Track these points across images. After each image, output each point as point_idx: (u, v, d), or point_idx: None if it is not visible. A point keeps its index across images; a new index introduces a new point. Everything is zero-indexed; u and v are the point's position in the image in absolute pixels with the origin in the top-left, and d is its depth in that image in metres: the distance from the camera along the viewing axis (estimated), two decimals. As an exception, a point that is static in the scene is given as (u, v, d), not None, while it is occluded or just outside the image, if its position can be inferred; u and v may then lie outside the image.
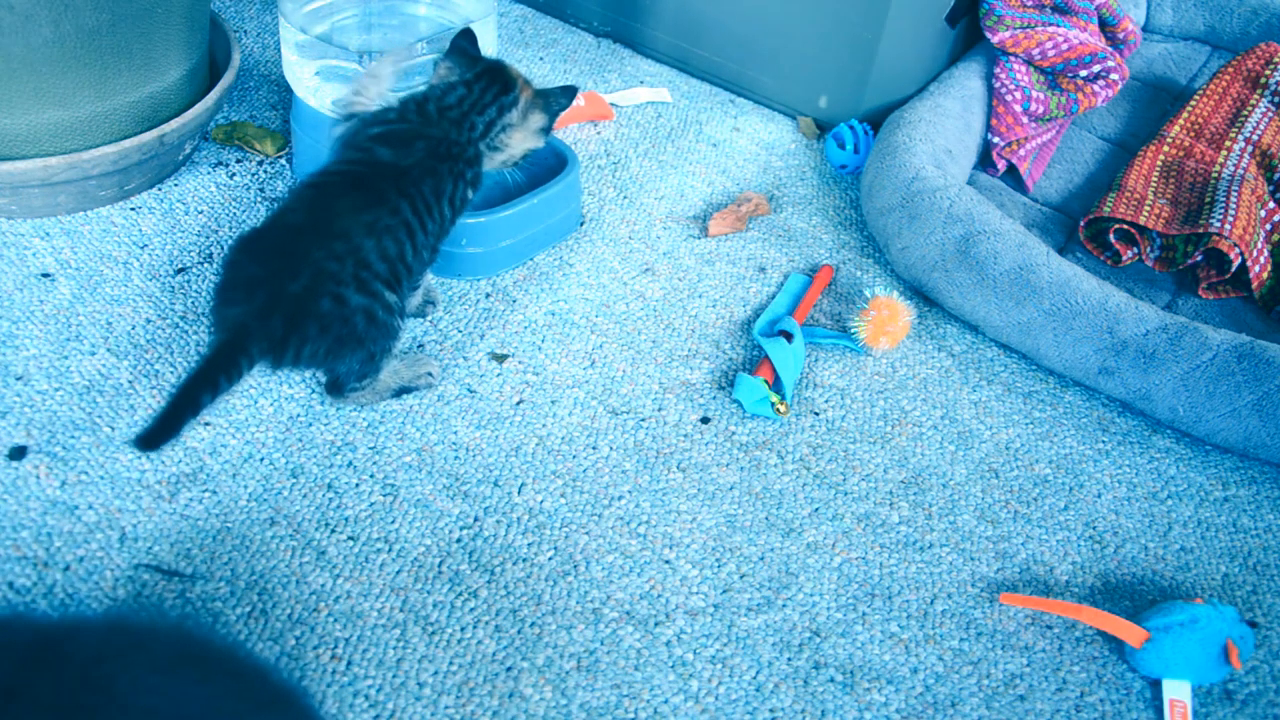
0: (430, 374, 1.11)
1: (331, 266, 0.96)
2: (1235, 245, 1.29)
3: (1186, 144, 1.51)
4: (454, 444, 1.07)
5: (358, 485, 1.02)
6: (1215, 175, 1.44)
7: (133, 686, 0.65)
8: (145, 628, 0.80)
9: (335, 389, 1.06)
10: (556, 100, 1.14)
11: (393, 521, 1.00)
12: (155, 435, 0.90)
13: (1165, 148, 1.50)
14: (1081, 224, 1.39)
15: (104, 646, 0.68)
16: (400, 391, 1.10)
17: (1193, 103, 1.59)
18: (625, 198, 1.42)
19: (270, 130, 1.42)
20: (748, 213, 1.40)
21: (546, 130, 1.15)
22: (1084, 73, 1.51)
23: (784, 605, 0.98)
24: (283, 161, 1.38)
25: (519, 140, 1.13)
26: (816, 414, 1.16)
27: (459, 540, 0.99)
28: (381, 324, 1.00)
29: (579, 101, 1.54)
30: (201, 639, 0.82)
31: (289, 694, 0.78)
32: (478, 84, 1.10)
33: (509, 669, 0.90)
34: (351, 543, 0.97)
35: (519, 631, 0.93)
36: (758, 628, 0.96)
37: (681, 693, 0.90)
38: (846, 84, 1.52)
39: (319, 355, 0.98)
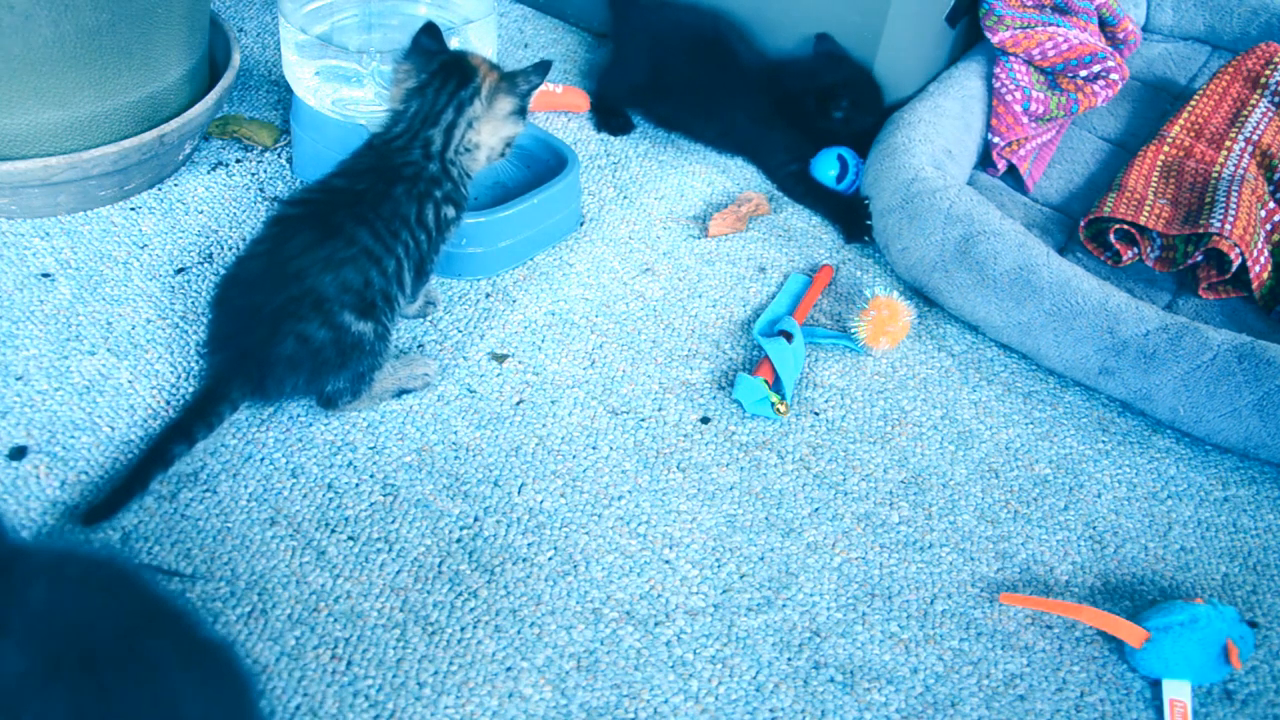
0: (427, 374, 1.11)
1: (289, 309, 0.97)
2: (1235, 245, 1.29)
3: (1186, 144, 1.51)
4: (454, 444, 1.07)
5: (358, 485, 1.02)
6: (1215, 175, 1.44)
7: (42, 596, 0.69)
8: (65, 552, 0.83)
9: (329, 404, 1.06)
10: (526, 79, 1.08)
11: (393, 521, 1.00)
12: (108, 505, 0.94)
13: (1165, 148, 1.50)
14: (1081, 224, 1.39)
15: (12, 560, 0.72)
16: (400, 393, 1.10)
17: (1193, 103, 1.59)
18: (625, 198, 1.42)
19: (264, 121, 1.42)
20: (748, 213, 1.40)
21: (520, 113, 1.09)
22: (1084, 73, 1.51)
23: (784, 605, 0.98)
24: (282, 161, 1.38)
25: (490, 131, 1.08)
26: (816, 414, 1.16)
27: (459, 540, 0.99)
28: (352, 350, 1.00)
29: (556, 89, 1.54)
30: (122, 568, 0.83)
31: (199, 634, 0.79)
32: (430, 86, 1.06)
33: (509, 669, 0.90)
34: (351, 543, 0.97)
35: (519, 631, 0.93)
36: (758, 628, 0.96)
37: (681, 693, 0.90)
38: (846, 84, 1.52)
39: (300, 386, 1.01)
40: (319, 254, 0.98)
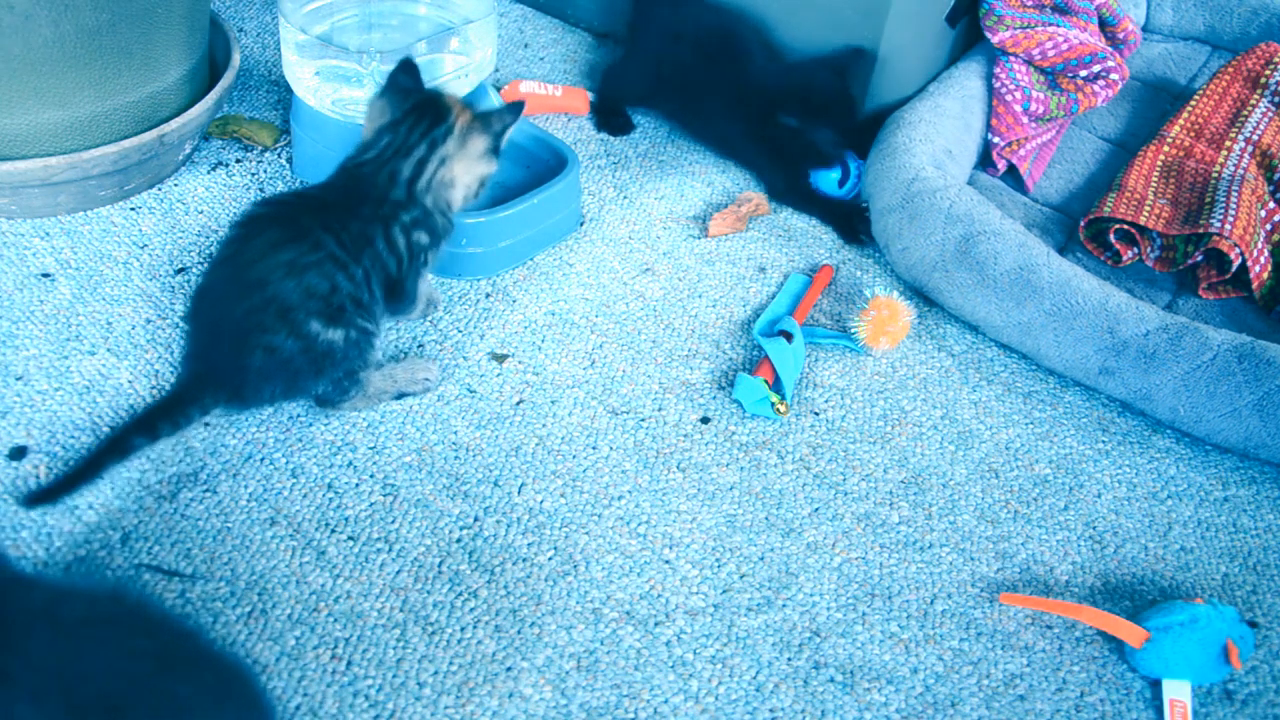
0: (428, 378, 1.11)
1: (253, 319, 0.96)
2: (1235, 245, 1.29)
3: (1186, 144, 1.51)
4: (454, 444, 1.07)
5: (358, 485, 1.02)
6: (1215, 175, 1.44)
7: (36, 647, 0.68)
8: (62, 589, 0.81)
9: (323, 404, 1.07)
10: (500, 119, 1.08)
11: (393, 521, 1.00)
12: (56, 489, 0.94)
13: (1165, 148, 1.50)
14: (1082, 224, 1.39)
15: (8, 604, 0.71)
16: (400, 395, 1.10)
17: (1193, 103, 1.59)
18: (625, 198, 1.42)
19: (264, 121, 1.42)
20: (748, 213, 1.40)
21: (494, 151, 1.09)
22: (1084, 73, 1.51)
23: (784, 605, 0.98)
24: (282, 161, 1.38)
25: (464, 169, 1.07)
26: (816, 414, 1.16)
27: (459, 540, 0.99)
28: (324, 359, 0.99)
29: (556, 92, 1.54)
30: (129, 603, 0.82)
31: (221, 663, 0.79)
32: (404, 124, 1.05)
33: (509, 669, 0.90)
34: (351, 543, 0.97)
35: (519, 631, 0.93)
36: (758, 628, 0.96)
37: (681, 693, 0.90)
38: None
39: (279, 394, 1.01)
40: (282, 257, 0.96)
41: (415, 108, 1.06)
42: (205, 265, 1.22)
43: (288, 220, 1.00)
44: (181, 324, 1.14)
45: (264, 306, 0.96)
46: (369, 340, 1.03)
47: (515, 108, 1.09)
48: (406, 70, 1.09)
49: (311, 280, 0.97)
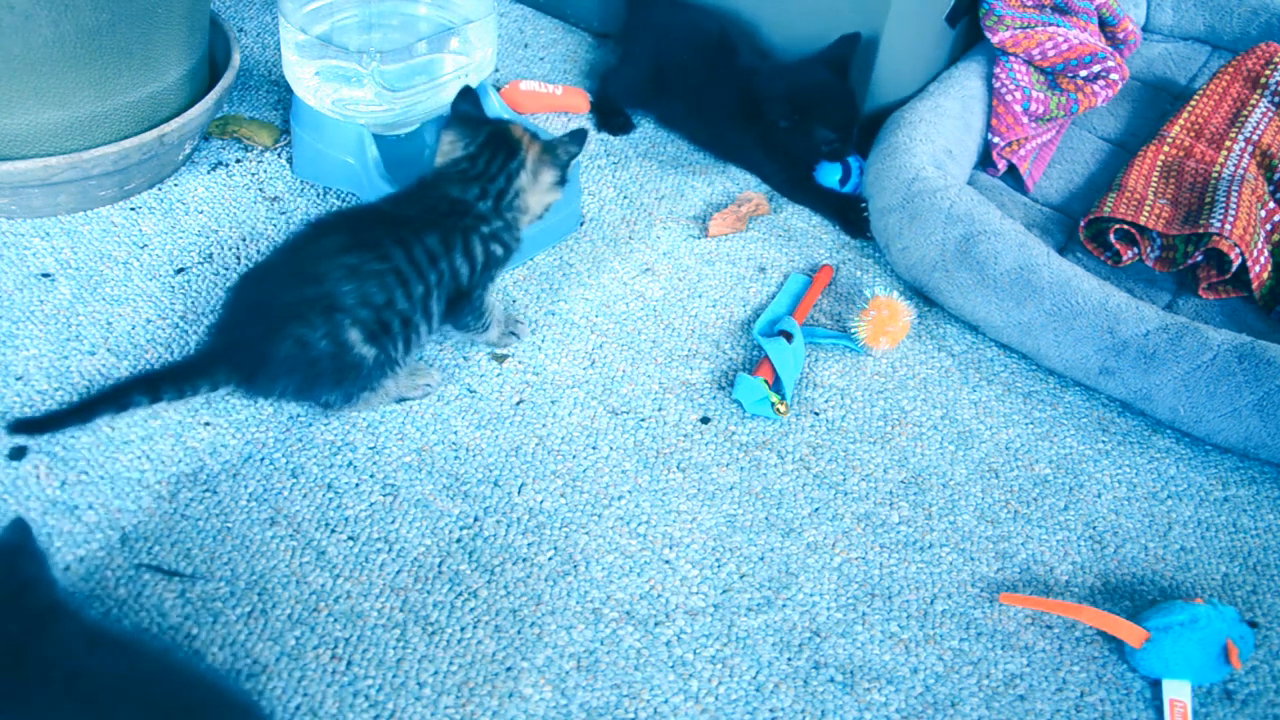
0: (429, 385, 1.11)
1: (297, 309, 0.97)
2: (1235, 245, 1.29)
3: (1186, 144, 1.51)
4: (454, 444, 1.07)
5: (358, 485, 1.02)
6: (1215, 175, 1.44)
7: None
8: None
9: (326, 406, 1.07)
10: (565, 150, 1.11)
11: (393, 521, 1.00)
12: (42, 423, 0.97)
13: (1165, 148, 1.50)
14: (1082, 224, 1.39)
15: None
16: (400, 400, 1.10)
17: (1193, 103, 1.59)
18: (625, 198, 1.42)
19: (264, 121, 1.42)
20: (748, 213, 1.40)
21: (561, 182, 1.13)
22: (1084, 73, 1.51)
23: (784, 605, 0.98)
24: (282, 161, 1.38)
25: (536, 200, 1.11)
26: (816, 414, 1.16)
27: (459, 540, 0.99)
28: (350, 371, 1.00)
29: (555, 91, 1.55)
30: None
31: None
32: (481, 157, 1.08)
33: (509, 669, 0.90)
34: (351, 543, 0.97)
35: (519, 631, 0.93)
36: (758, 628, 0.96)
37: (681, 693, 0.90)
38: (846, 84, 1.52)
39: (291, 391, 1.01)
40: (346, 260, 0.98)
41: (488, 141, 1.09)
42: (205, 264, 1.22)
43: (359, 229, 1.02)
44: (181, 324, 1.14)
45: (313, 300, 0.97)
46: (391, 368, 1.04)
47: (578, 137, 1.11)
48: (467, 98, 1.12)
49: (370, 289, 0.98)
